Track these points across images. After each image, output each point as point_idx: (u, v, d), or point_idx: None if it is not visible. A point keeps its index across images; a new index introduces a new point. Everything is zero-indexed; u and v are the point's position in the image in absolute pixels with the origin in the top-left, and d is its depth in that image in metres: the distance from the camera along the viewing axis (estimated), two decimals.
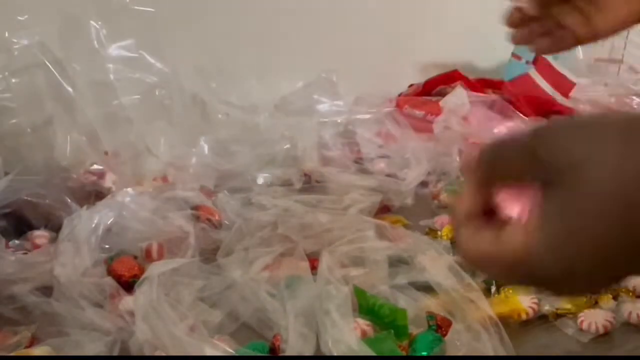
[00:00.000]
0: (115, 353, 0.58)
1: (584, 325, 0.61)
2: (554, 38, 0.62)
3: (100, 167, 0.88)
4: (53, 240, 0.75)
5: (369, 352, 0.54)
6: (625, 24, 0.59)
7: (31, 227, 0.79)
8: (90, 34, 0.91)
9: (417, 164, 0.96)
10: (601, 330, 0.60)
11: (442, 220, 0.85)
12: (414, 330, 0.59)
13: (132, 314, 0.60)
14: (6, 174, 0.81)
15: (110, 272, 0.70)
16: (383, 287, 0.65)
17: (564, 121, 0.35)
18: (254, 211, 0.82)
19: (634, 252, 0.32)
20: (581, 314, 0.62)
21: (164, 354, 0.55)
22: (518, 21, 0.63)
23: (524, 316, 0.62)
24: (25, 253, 0.74)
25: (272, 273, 0.68)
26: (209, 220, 0.81)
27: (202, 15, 1.09)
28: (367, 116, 1.06)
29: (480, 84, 1.27)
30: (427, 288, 0.64)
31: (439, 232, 0.81)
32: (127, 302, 0.64)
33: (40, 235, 0.78)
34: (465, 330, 0.57)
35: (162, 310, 0.57)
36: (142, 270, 0.68)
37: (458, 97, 1.07)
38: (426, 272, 0.66)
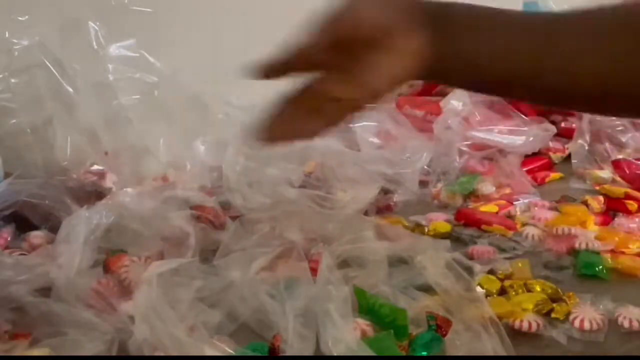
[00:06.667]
0: (114, 353, 0.58)
1: (585, 325, 0.61)
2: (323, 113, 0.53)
3: (100, 167, 0.89)
4: (50, 241, 0.75)
5: (369, 352, 0.54)
6: (400, 81, 0.51)
7: (31, 228, 0.80)
8: (90, 34, 0.91)
9: (418, 155, 0.96)
10: (601, 324, 0.60)
11: (431, 217, 0.85)
12: (414, 330, 0.59)
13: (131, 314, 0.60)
14: (6, 174, 0.82)
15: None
16: (383, 287, 0.65)
17: None
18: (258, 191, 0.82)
19: None
20: (576, 312, 0.62)
21: (163, 354, 0.55)
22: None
23: (524, 316, 0.62)
24: (23, 254, 0.74)
25: (271, 273, 0.68)
26: (210, 221, 0.81)
27: (202, 16, 1.09)
28: (367, 116, 1.05)
29: None
30: (427, 288, 0.64)
31: (426, 228, 0.82)
32: (127, 302, 0.63)
33: (37, 236, 0.78)
34: (465, 330, 0.57)
35: (161, 310, 0.57)
36: None
37: (458, 97, 1.06)
38: (426, 271, 0.65)
